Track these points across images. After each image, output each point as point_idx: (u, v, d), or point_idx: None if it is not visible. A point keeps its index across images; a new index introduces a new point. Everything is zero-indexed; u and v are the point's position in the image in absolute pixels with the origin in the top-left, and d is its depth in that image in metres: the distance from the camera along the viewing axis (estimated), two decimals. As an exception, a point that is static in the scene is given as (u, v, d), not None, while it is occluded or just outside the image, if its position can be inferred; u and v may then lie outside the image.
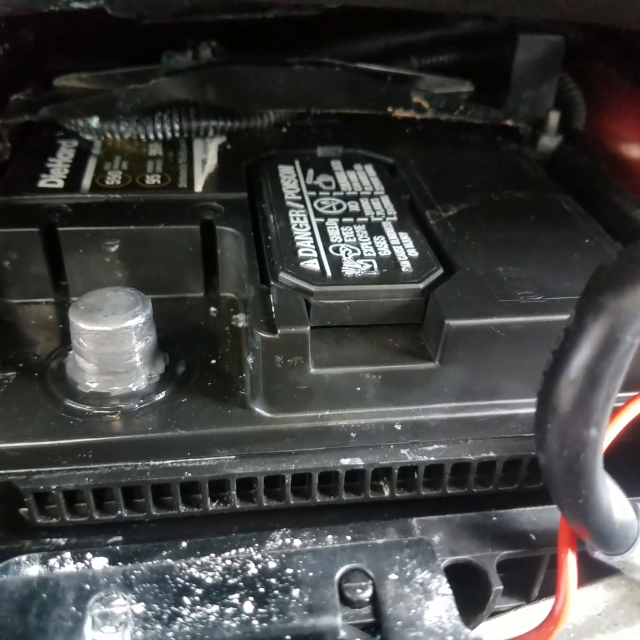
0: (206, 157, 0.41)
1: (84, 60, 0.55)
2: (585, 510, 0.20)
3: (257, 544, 0.23)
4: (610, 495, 0.21)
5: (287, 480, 0.30)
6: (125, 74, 0.44)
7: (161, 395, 0.30)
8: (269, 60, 0.42)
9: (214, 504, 0.31)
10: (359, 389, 0.30)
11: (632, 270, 0.18)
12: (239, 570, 0.21)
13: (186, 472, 0.29)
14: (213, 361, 0.33)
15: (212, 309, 0.36)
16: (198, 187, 0.38)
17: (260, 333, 0.28)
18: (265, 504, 0.31)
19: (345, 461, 0.30)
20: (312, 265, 0.32)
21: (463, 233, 0.35)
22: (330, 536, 0.23)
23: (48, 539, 0.31)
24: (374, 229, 0.35)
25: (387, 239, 0.34)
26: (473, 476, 0.32)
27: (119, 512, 0.30)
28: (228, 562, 0.21)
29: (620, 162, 0.46)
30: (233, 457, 0.30)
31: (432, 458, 0.31)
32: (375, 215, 0.36)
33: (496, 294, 0.30)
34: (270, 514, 0.31)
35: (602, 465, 0.20)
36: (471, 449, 0.31)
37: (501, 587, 0.26)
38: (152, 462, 0.29)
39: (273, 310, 0.29)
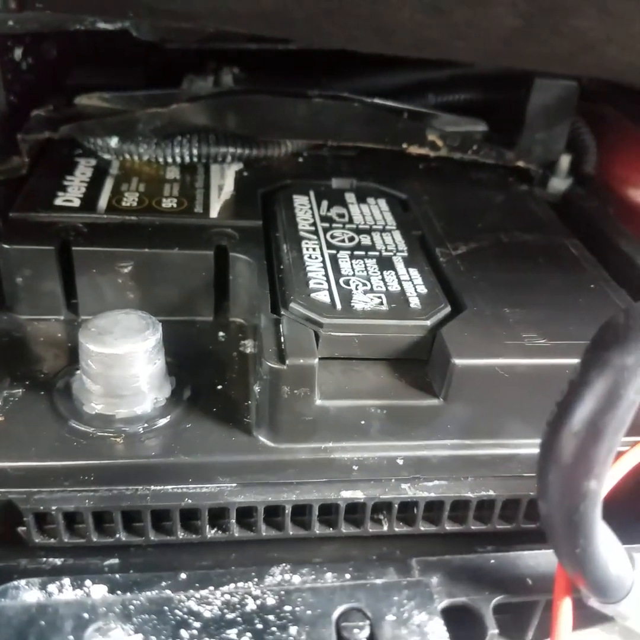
0: (223, 183, 0.42)
1: (105, 77, 0.56)
2: (582, 560, 0.20)
3: (256, 579, 0.23)
4: (608, 546, 0.21)
5: (287, 511, 0.30)
6: (146, 96, 0.45)
7: (166, 420, 0.30)
8: (290, 92, 0.43)
9: (213, 531, 0.31)
10: (363, 422, 0.30)
11: (638, 329, 0.19)
12: (238, 605, 0.21)
13: (187, 499, 0.29)
14: (219, 387, 0.33)
15: (221, 333, 0.36)
16: (214, 213, 0.39)
17: (268, 363, 0.28)
18: (264, 534, 0.31)
19: (347, 494, 0.30)
20: (323, 297, 0.32)
21: (472, 272, 0.35)
22: (329, 573, 0.23)
23: (45, 559, 0.31)
24: (385, 264, 0.35)
25: (397, 274, 0.35)
26: (472, 514, 0.32)
27: (118, 535, 0.30)
28: (227, 596, 0.21)
29: (628, 207, 0.46)
30: (234, 485, 0.30)
31: (433, 494, 0.31)
32: (386, 250, 0.37)
33: (502, 335, 0.31)
34: (268, 543, 0.31)
35: (600, 516, 0.20)
36: (471, 487, 0.31)
37: (497, 630, 0.26)
38: (153, 487, 0.29)
39: (283, 340, 0.29)
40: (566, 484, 0.19)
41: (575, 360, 0.30)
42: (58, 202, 0.38)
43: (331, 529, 0.31)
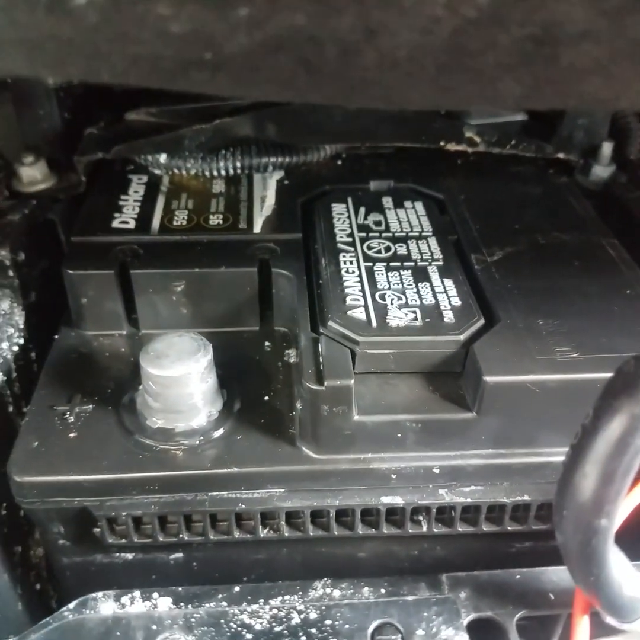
0: (265, 195, 0.43)
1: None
2: (596, 586, 0.22)
3: (300, 592, 0.25)
4: (621, 571, 0.22)
5: (331, 514, 0.33)
6: (190, 110, 0.47)
7: (219, 432, 0.33)
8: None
9: (265, 531, 0.34)
10: (399, 435, 0.32)
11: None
12: (284, 619, 0.24)
13: (240, 504, 0.32)
14: (266, 397, 0.35)
15: (267, 343, 0.39)
16: (257, 228, 0.41)
17: (308, 384, 0.31)
18: (311, 534, 0.34)
19: (386, 499, 0.33)
20: (359, 314, 0.34)
21: (506, 280, 0.36)
22: (366, 588, 0.25)
23: (117, 554, 0.35)
24: (420, 275, 0.36)
25: (431, 286, 0.36)
26: (508, 516, 0.33)
27: (181, 535, 0.33)
28: (274, 610, 0.24)
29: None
30: (282, 490, 0.33)
31: (469, 499, 0.33)
32: (421, 259, 0.38)
33: (534, 350, 0.31)
34: (315, 541, 0.34)
35: (612, 547, 0.22)
36: (507, 492, 0.33)
37: None
38: (210, 494, 0.32)
39: (321, 360, 0.31)
40: (579, 521, 0.21)
41: (605, 375, 0.31)
42: (115, 224, 0.41)
43: (373, 529, 0.34)
